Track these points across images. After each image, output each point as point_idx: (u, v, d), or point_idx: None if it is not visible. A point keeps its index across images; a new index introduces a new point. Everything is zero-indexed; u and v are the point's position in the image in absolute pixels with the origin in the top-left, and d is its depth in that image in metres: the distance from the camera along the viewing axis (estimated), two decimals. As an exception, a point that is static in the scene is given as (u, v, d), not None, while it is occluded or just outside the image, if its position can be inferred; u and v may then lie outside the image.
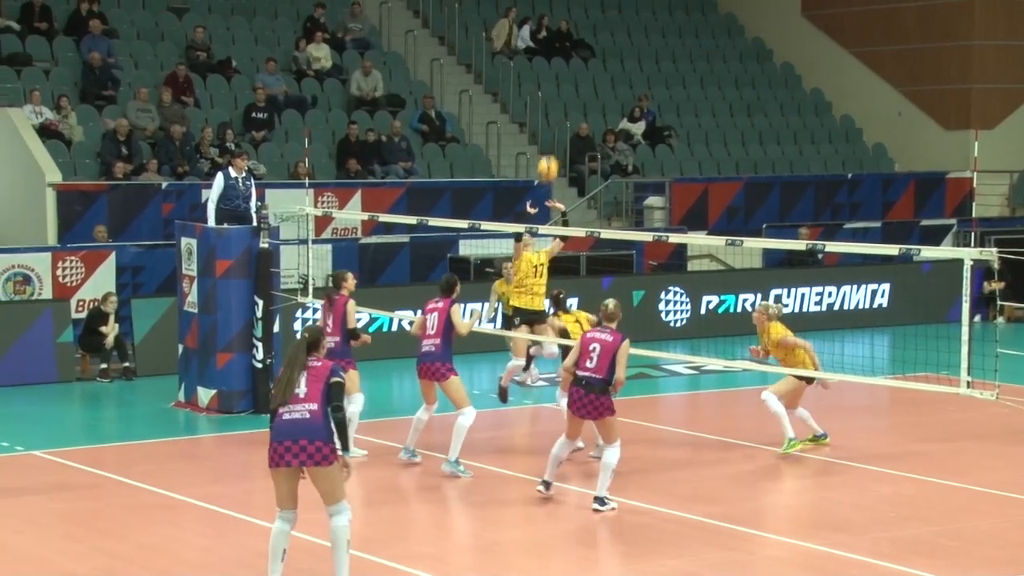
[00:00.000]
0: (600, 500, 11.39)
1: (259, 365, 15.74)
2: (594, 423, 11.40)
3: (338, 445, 8.98)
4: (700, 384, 18.10)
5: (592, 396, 11.15)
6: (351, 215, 20.72)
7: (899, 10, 29.41)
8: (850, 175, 27.12)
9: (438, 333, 12.71)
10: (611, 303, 11.60)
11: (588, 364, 11.13)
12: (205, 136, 22.09)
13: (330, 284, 13.75)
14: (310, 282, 15.90)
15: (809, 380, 13.25)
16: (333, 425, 8.92)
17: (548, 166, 15.07)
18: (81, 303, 18.53)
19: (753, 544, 10.85)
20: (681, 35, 30.33)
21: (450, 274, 14.21)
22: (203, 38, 24.14)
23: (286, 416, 8.84)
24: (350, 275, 13.47)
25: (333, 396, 8.88)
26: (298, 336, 9.11)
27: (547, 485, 11.78)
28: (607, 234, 14.96)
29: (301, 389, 8.84)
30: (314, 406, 8.81)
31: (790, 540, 10.87)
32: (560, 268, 20.76)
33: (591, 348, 11.18)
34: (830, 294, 22.96)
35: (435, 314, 12.76)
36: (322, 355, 9.09)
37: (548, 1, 29.46)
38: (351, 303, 13.18)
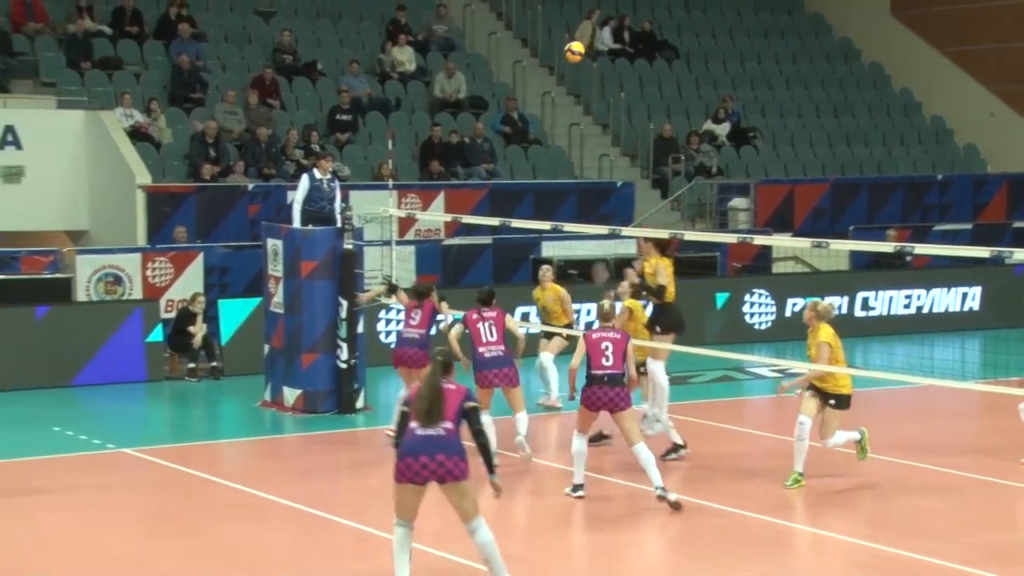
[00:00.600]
0: (662, 489, 11.48)
1: (343, 365, 15.84)
2: (615, 418, 11.58)
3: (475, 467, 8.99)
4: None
5: (618, 389, 11.47)
6: (434, 216, 20.82)
7: (991, 8, 28.91)
8: (940, 176, 26.70)
9: (499, 340, 13.15)
10: (607, 303, 12.04)
11: (604, 362, 11.51)
12: (290, 138, 22.29)
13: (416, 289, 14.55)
14: (394, 283, 15.84)
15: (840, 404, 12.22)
16: (478, 448, 9.02)
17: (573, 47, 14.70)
18: (170, 303, 18.77)
19: (839, 550, 10.71)
20: (767, 35, 30.07)
21: (489, 286, 14.67)
22: (289, 41, 24.37)
23: (420, 432, 8.88)
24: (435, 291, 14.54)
25: (473, 420, 8.99)
26: (433, 359, 9.18)
27: (579, 488, 11.86)
28: (690, 236, 14.69)
29: (433, 414, 8.93)
30: (449, 425, 8.89)
31: (876, 546, 10.70)
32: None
33: (603, 347, 11.52)
34: (919, 297, 22.63)
35: (491, 322, 13.21)
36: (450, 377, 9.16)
37: (632, 2, 29.36)
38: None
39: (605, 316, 12.02)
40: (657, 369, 13.19)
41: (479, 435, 9.05)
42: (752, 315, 21.16)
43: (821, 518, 11.39)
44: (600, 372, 11.50)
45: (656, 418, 13.29)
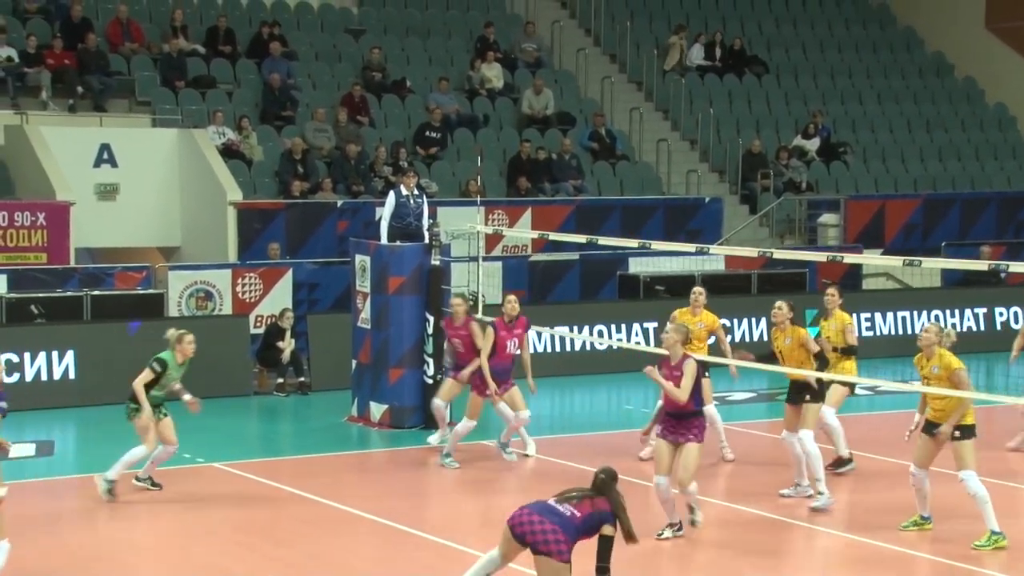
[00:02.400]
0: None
1: (430, 381, 15.87)
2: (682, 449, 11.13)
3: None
4: (875, 405, 17.64)
5: (693, 418, 11.15)
6: (521, 233, 20.81)
7: (1088, 21, 28.41)
8: (1035, 192, 26.27)
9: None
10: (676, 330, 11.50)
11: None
12: (379, 155, 22.42)
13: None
14: (480, 299, 15.84)
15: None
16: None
17: None
18: (259, 319, 18.96)
19: (906, 565, 10.54)
20: (858, 50, 29.76)
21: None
22: (378, 59, 24.57)
23: (551, 501, 8.84)
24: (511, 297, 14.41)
25: (601, 553, 8.83)
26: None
27: (677, 527, 11.50)
28: (779, 254, 14.49)
29: (575, 497, 8.87)
30: (578, 514, 8.77)
31: (961, 564, 10.49)
32: (730, 287, 20.66)
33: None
34: (1015, 315, 22.21)
35: (515, 340, 13.92)
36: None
37: (721, 18, 29.23)
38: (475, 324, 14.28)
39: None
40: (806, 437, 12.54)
41: (602, 572, 8.84)
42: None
43: (893, 535, 11.16)
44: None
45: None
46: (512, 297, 14.23)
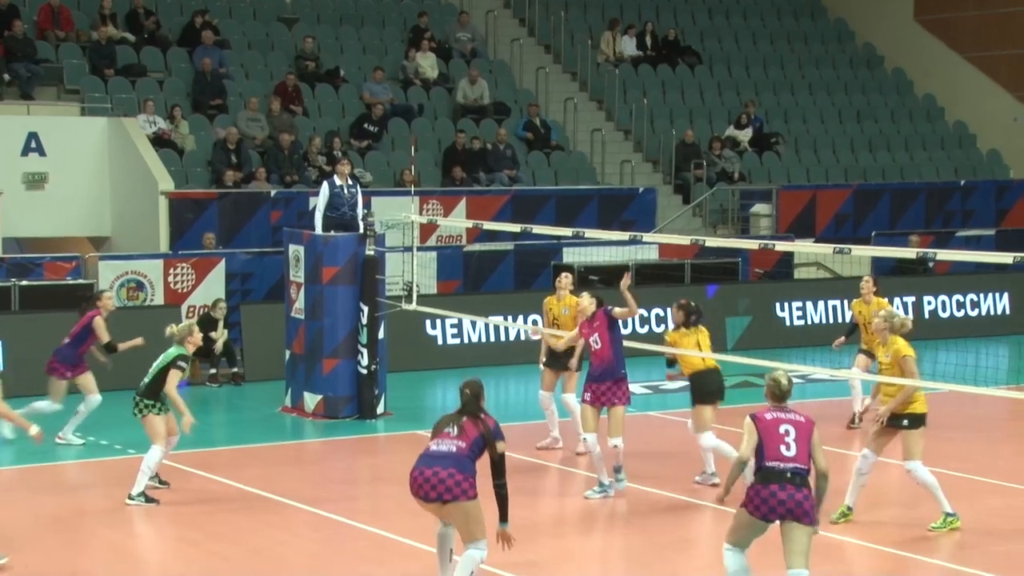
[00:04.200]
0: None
1: (364, 371, 15.80)
2: (789, 533, 8.67)
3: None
4: (807, 392, 17.78)
5: (805, 492, 8.61)
6: (456, 223, 20.71)
7: (1015, 14, 28.76)
8: (963, 182, 26.58)
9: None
10: (783, 378, 9.01)
11: (785, 452, 8.66)
12: (313, 145, 22.25)
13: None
14: (414, 289, 15.82)
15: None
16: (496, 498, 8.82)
17: None
18: (191, 309, 18.77)
19: (867, 558, 10.67)
20: (790, 41, 29.99)
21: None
22: (312, 48, 24.41)
23: (433, 447, 8.86)
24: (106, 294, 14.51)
25: (496, 470, 8.80)
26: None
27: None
28: (712, 242, 14.56)
29: (453, 429, 8.85)
30: (464, 444, 8.78)
31: (914, 556, 10.61)
32: (665, 276, 20.73)
33: (782, 431, 8.73)
34: (943, 304, 22.49)
35: (596, 335, 12.32)
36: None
37: (655, 8, 29.31)
38: (98, 319, 14.04)
39: (783, 394, 8.95)
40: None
41: (500, 488, 8.83)
42: (776, 320, 21.06)
43: (843, 526, 11.26)
44: (783, 466, 8.60)
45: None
46: (585, 295, 12.65)
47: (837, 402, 16.64)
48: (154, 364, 12.09)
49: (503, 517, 8.87)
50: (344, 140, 22.81)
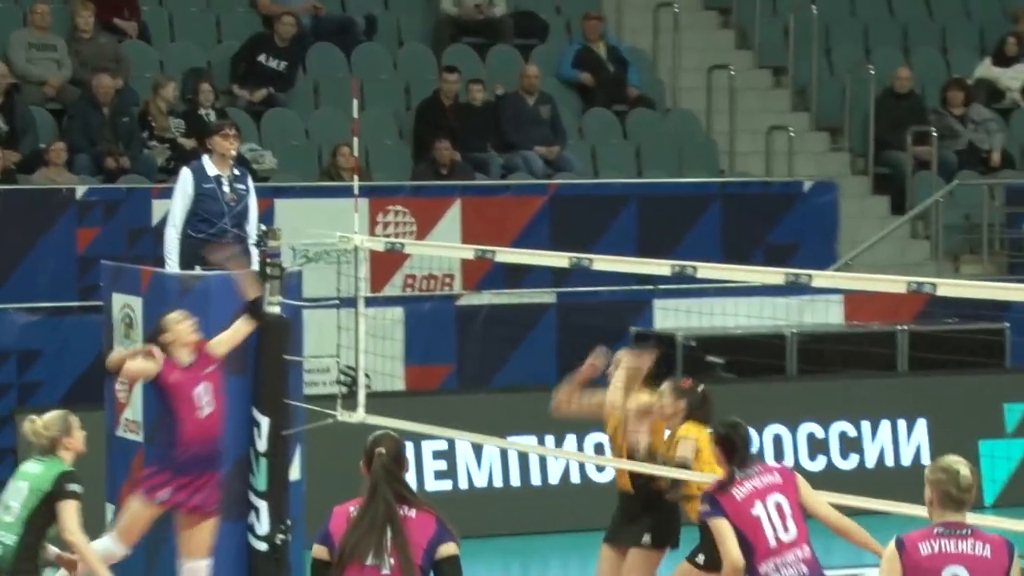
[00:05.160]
0: None
1: (261, 546, 10.92)
2: None
3: None
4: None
5: None
6: (441, 249, 14.78)
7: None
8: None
9: None
10: (963, 468, 6.85)
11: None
12: (161, 95, 16.08)
13: None
14: (362, 381, 10.83)
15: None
16: None
17: None
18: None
19: None
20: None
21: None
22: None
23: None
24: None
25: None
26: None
27: None
28: (953, 288, 9.52)
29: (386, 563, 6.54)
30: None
31: None
32: (854, 357, 14.71)
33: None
34: None
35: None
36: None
37: None
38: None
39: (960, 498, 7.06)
40: None
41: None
42: None
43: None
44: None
45: None
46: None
47: None
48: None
49: None
50: (221, 87, 16.69)
